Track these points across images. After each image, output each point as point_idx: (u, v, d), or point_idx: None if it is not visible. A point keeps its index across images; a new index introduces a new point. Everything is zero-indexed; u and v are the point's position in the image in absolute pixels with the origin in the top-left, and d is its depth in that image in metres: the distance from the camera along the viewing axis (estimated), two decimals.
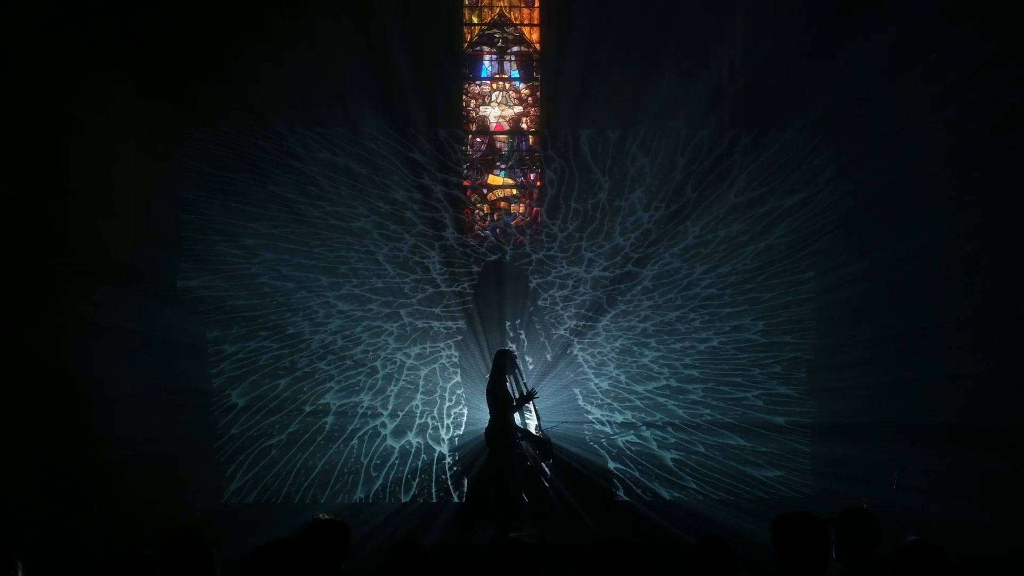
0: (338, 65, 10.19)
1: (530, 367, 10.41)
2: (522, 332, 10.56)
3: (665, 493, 10.32)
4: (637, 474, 10.40)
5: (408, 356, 10.54)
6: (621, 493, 10.32)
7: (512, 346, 10.21)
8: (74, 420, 9.63)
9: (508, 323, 10.53)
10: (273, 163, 10.43)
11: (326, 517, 4.22)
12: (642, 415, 10.53)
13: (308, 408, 10.37)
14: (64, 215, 10.02)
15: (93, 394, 9.71)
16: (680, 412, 10.52)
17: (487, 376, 9.40)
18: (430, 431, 10.48)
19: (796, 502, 9.72)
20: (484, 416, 9.39)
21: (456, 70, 10.97)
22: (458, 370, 10.55)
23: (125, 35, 9.99)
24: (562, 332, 10.60)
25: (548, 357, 10.55)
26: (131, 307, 9.80)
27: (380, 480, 10.33)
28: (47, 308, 9.67)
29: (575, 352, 10.59)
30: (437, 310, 10.59)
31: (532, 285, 10.65)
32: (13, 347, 9.60)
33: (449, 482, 10.34)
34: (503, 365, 9.19)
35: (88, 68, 9.84)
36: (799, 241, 10.57)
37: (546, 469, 9.77)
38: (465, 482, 10.19)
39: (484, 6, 11.19)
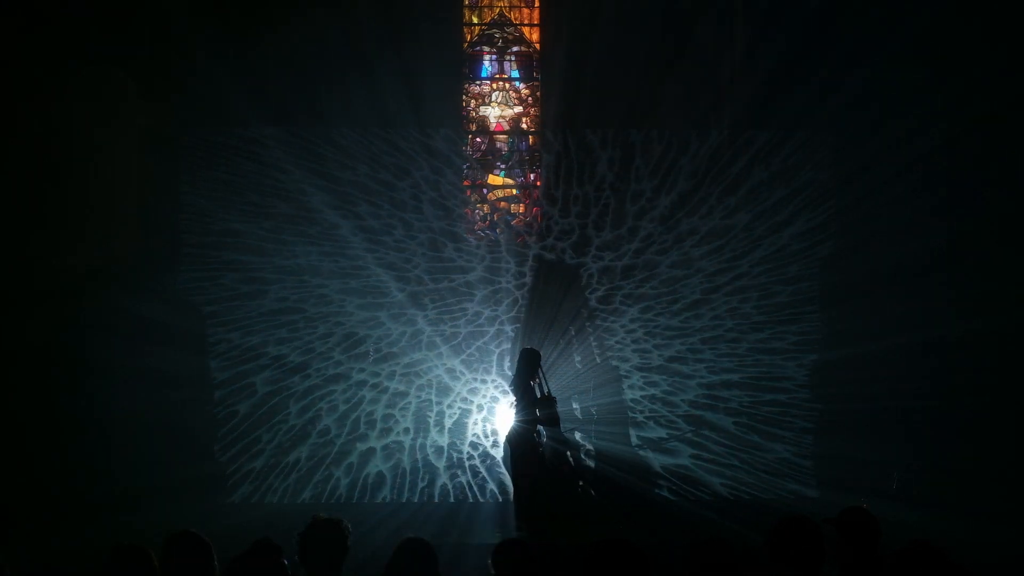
0: (338, 65, 10.20)
1: (578, 364, 10.38)
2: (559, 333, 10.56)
3: (670, 495, 10.32)
4: (636, 477, 10.41)
5: (419, 356, 10.53)
6: (664, 493, 10.32)
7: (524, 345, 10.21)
8: (73, 419, 9.63)
9: (538, 324, 10.53)
10: (272, 163, 10.44)
11: (326, 516, 4.22)
12: (662, 420, 10.54)
13: (309, 408, 10.38)
14: (64, 215, 10.03)
15: (92, 393, 9.71)
16: (702, 413, 10.55)
17: (511, 375, 9.34)
18: (435, 431, 10.48)
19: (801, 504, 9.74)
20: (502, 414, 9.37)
21: (456, 70, 10.97)
22: (475, 369, 10.54)
23: (125, 35, 10.00)
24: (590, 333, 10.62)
25: (577, 360, 10.55)
26: (131, 306, 9.80)
27: (381, 480, 10.33)
28: (46, 308, 9.67)
29: (592, 349, 10.60)
30: (432, 312, 10.58)
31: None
32: (13, 347, 9.61)
33: (448, 483, 10.34)
34: (528, 363, 9.11)
35: (88, 68, 9.84)
36: (802, 239, 10.59)
37: (570, 467, 9.75)
38: (478, 482, 10.19)
39: (484, 6, 11.20)
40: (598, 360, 10.53)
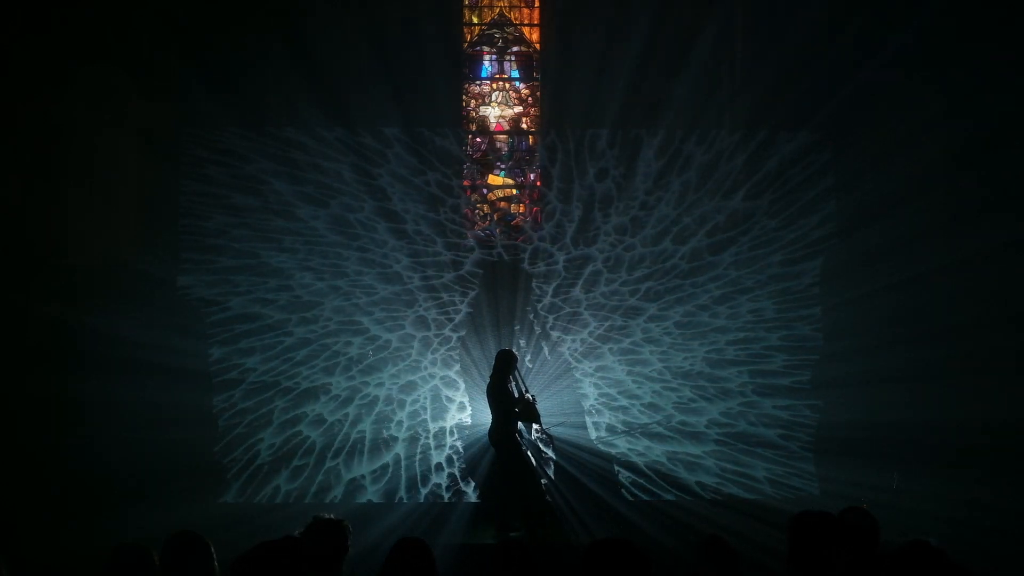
0: (337, 65, 10.19)
1: (529, 366, 10.41)
2: (518, 329, 10.55)
3: (667, 494, 10.30)
4: (639, 476, 10.40)
5: (410, 356, 10.54)
6: (626, 494, 10.29)
7: (516, 345, 10.22)
8: (73, 419, 9.63)
9: (516, 326, 10.53)
10: (271, 162, 10.44)
11: (327, 516, 4.23)
12: (647, 416, 10.54)
13: (308, 409, 10.38)
14: (64, 215, 10.03)
15: (92, 393, 9.69)
16: (685, 415, 10.54)
17: (488, 377, 9.36)
18: (430, 432, 10.47)
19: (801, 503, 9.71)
20: (485, 416, 9.38)
21: (456, 70, 10.97)
22: (460, 369, 10.54)
23: (125, 35, 10.00)
24: (582, 334, 10.61)
25: (547, 354, 10.55)
26: (130, 306, 9.81)
27: (380, 481, 10.33)
28: (47, 308, 9.67)
29: (571, 350, 10.60)
30: (432, 311, 10.58)
31: (536, 284, 10.66)
32: (13, 346, 9.61)
33: (442, 484, 10.34)
34: (504, 365, 9.16)
35: (88, 68, 9.84)
36: (803, 240, 10.60)
37: (549, 471, 9.79)
38: (472, 483, 10.20)
39: (484, 6, 11.19)
40: (548, 357, 10.56)
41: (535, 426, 9.41)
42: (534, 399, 9.34)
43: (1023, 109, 9.73)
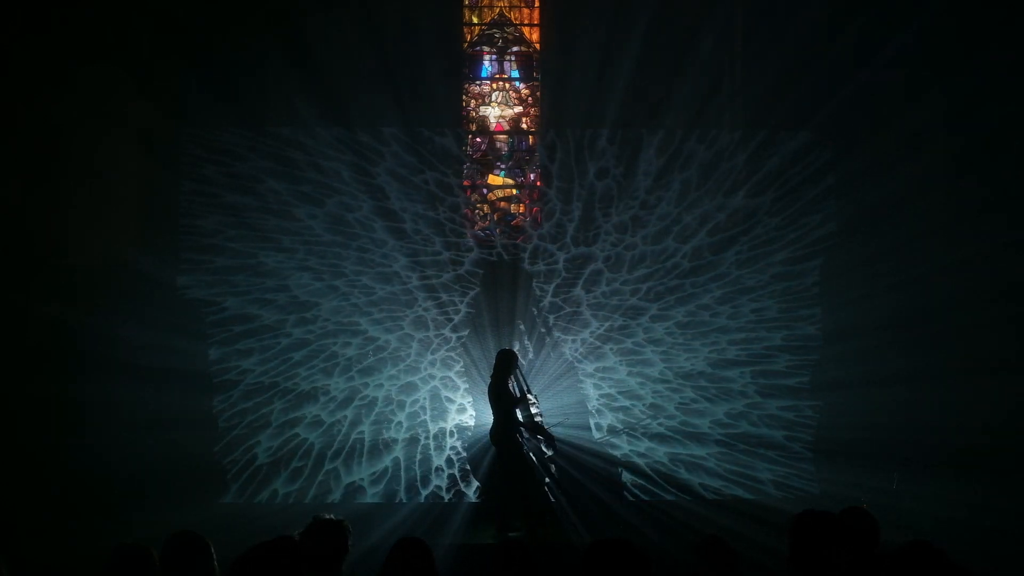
0: (337, 65, 10.19)
1: (532, 364, 10.40)
2: (521, 328, 10.55)
3: (668, 495, 10.29)
4: (639, 476, 10.38)
5: (409, 357, 10.54)
6: (627, 494, 10.28)
7: (516, 345, 10.21)
8: (74, 419, 9.63)
9: (520, 325, 10.53)
10: (271, 162, 10.43)
11: (327, 516, 4.23)
12: (647, 417, 10.53)
13: (307, 411, 10.38)
14: (64, 215, 10.03)
15: (92, 393, 9.69)
16: (685, 417, 10.54)
17: (489, 377, 9.35)
18: (430, 433, 10.47)
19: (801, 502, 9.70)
20: (486, 416, 9.37)
21: (456, 70, 10.97)
22: (460, 370, 10.54)
23: (125, 35, 10.00)
24: (584, 335, 10.61)
25: (550, 353, 10.55)
26: (130, 306, 9.80)
27: (380, 483, 10.32)
28: (47, 308, 9.66)
29: (575, 351, 10.60)
30: (432, 311, 10.58)
31: (537, 283, 10.66)
32: (13, 346, 9.60)
33: (443, 486, 10.33)
34: (505, 365, 9.16)
35: (88, 68, 9.84)
36: (804, 242, 10.59)
37: (551, 468, 9.78)
38: (474, 483, 10.18)
39: (484, 6, 11.20)
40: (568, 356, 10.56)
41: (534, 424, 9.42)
42: (536, 398, 9.33)
43: (1023, 110, 9.73)
